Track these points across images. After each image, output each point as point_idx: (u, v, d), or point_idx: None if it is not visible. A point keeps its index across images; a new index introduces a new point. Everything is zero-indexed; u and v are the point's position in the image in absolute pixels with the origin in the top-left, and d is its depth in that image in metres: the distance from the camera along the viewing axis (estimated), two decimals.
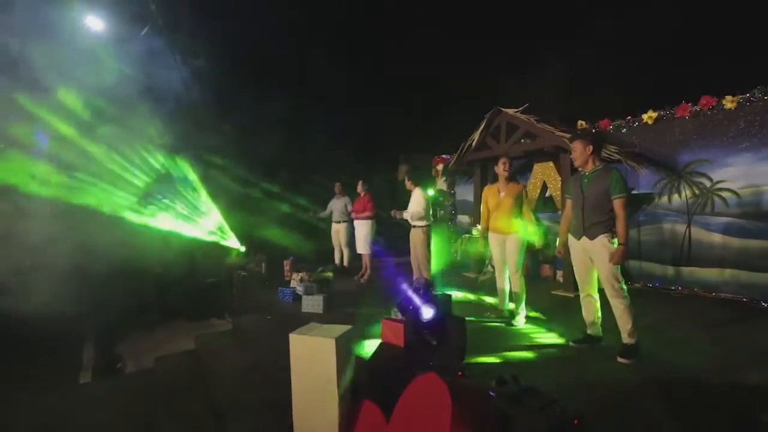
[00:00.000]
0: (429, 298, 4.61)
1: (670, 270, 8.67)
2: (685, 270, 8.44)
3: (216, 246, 11.18)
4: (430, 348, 3.93)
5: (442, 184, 14.21)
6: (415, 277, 7.65)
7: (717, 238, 8.00)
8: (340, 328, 3.85)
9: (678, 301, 7.87)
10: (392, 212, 8.08)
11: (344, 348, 3.68)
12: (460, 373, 3.68)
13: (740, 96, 7.76)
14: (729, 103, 7.83)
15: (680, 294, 8.34)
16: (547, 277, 10.20)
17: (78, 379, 7.35)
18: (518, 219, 6.36)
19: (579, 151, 5.16)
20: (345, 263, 10.95)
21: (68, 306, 8.56)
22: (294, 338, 3.70)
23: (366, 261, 10.12)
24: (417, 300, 4.42)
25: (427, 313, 4.04)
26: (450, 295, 5.20)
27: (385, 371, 3.87)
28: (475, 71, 15.08)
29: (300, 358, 3.68)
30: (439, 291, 7.92)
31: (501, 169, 6.53)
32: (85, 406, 5.48)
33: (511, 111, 9.80)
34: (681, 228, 8.49)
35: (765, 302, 7.29)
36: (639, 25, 12.40)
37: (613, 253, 4.89)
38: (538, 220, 10.66)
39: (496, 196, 6.61)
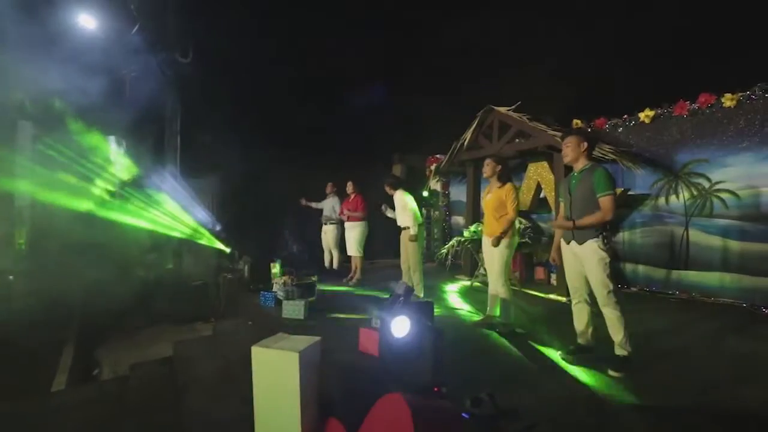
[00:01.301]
0: (408, 306, 4.36)
1: (667, 273, 8.44)
2: (683, 274, 8.21)
3: (202, 248, 10.98)
4: (404, 361, 3.67)
5: (435, 184, 14.00)
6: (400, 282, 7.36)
7: (716, 240, 7.77)
8: (307, 340, 3.60)
9: (676, 306, 7.60)
10: (383, 207, 7.93)
11: (310, 361, 3.43)
12: (435, 389, 3.42)
13: (740, 94, 7.53)
14: (728, 101, 7.61)
15: (678, 299, 8.10)
16: (540, 280, 9.97)
17: (50, 386, 7.11)
18: (501, 222, 6.07)
19: (573, 146, 4.87)
20: (334, 266, 10.75)
21: (49, 309, 8.39)
22: (256, 351, 3.46)
23: (356, 263, 9.89)
24: (394, 309, 4.16)
25: (401, 325, 3.77)
26: (431, 303, 4.95)
27: (356, 386, 3.62)
28: (472, 69, 14.90)
29: (262, 372, 3.43)
30: (421, 297, 7.72)
31: (484, 170, 6.30)
32: (50, 416, 5.25)
33: (503, 109, 9.60)
34: (679, 230, 8.25)
35: (765, 308, 7.05)
36: (637, 23, 12.23)
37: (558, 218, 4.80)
38: (531, 221, 10.43)
39: (485, 197, 6.37)
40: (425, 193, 13.82)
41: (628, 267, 9.06)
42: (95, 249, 9.28)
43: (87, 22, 9.88)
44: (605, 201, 4.55)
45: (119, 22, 10.20)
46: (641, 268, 8.87)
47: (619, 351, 4.64)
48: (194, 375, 5.60)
